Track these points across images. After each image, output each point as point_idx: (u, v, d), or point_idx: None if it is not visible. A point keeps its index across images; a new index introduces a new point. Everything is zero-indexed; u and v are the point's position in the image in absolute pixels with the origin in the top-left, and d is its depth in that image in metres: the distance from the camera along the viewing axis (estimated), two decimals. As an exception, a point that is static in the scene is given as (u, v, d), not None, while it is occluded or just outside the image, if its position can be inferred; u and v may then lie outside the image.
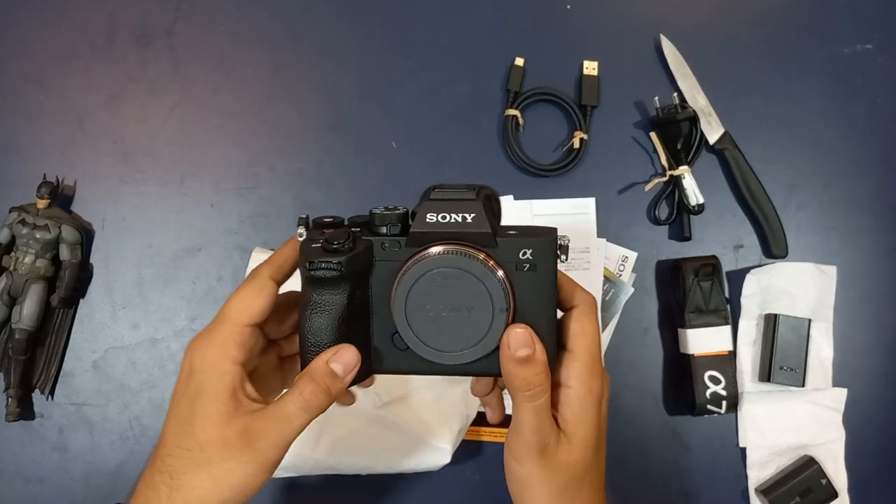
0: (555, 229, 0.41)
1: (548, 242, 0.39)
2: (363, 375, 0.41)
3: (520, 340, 0.38)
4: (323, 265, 0.38)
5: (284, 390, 0.44)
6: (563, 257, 0.40)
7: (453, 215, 0.38)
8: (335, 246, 0.39)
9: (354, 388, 0.45)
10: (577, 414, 0.40)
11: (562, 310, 0.42)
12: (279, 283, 0.41)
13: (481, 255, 0.38)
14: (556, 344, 0.41)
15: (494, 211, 0.42)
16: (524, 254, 0.39)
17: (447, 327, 0.39)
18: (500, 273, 0.39)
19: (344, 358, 0.39)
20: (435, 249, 0.39)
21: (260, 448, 0.37)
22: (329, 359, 0.39)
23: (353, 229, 0.40)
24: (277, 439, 0.38)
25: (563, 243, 0.40)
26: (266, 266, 0.41)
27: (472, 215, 0.38)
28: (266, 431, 0.38)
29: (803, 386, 0.67)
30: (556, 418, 0.41)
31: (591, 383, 0.40)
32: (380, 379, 0.65)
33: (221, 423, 0.37)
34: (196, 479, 0.37)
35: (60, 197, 0.71)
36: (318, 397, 0.38)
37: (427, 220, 0.39)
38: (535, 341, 0.39)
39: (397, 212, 0.41)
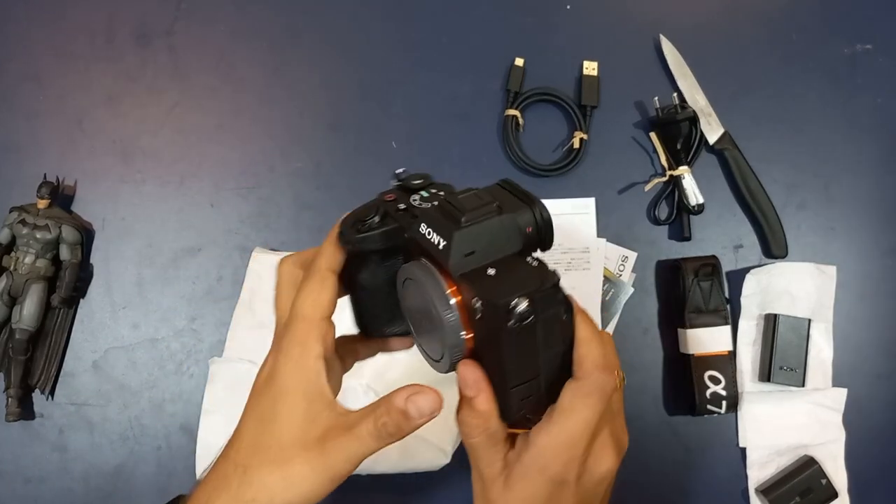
0: (555, 278, 0.35)
1: (545, 298, 0.34)
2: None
3: (465, 379, 0.37)
4: (343, 239, 0.39)
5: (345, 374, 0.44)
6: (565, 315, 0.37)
7: (436, 235, 0.36)
8: (363, 223, 0.39)
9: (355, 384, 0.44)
10: (556, 428, 0.38)
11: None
12: (336, 272, 0.40)
13: (448, 289, 0.35)
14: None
15: (498, 244, 0.36)
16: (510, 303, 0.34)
17: (426, 333, 0.38)
18: (453, 314, 0.35)
19: (420, 401, 0.38)
20: (418, 260, 0.37)
21: (333, 459, 0.37)
22: (408, 396, 0.38)
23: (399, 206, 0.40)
24: (348, 455, 0.38)
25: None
26: (321, 258, 0.40)
27: (444, 243, 0.35)
28: (341, 444, 0.37)
29: (803, 386, 0.67)
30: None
31: (554, 463, 0.37)
32: (380, 379, 0.65)
33: (305, 423, 0.37)
34: (269, 477, 0.37)
35: (60, 197, 0.71)
36: (389, 430, 0.38)
37: (420, 229, 0.37)
38: (480, 386, 0.37)
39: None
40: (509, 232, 0.37)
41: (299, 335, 0.39)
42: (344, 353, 0.43)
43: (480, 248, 0.36)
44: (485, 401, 0.38)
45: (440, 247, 0.35)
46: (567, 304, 0.36)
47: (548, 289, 0.34)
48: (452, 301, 0.35)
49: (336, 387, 0.42)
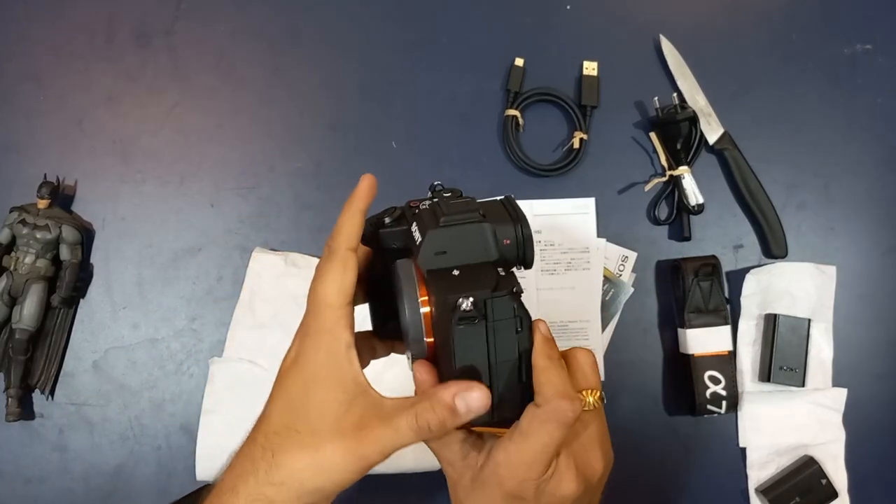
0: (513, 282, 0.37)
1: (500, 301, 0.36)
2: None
3: (417, 378, 0.38)
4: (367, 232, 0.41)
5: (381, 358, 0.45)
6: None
7: (418, 233, 0.38)
8: (381, 222, 0.41)
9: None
10: (484, 480, 0.39)
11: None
12: (355, 249, 0.40)
13: (419, 289, 0.37)
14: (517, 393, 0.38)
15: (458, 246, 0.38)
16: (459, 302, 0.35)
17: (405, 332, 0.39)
18: (417, 313, 0.37)
19: (471, 399, 0.36)
20: (406, 258, 0.39)
21: (367, 448, 0.37)
22: (457, 392, 0.37)
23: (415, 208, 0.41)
24: (382, 446, 0.37)
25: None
26: (340, 236, 0.40)
27: (420, 239, 0.37)
28: (377, 434, 0.37)
29: (803, 386, 0.67)
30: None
31: (510, 480, 0.37)
32: (378, 379, 0.65)
33: (339, 411, 0.37)
34: (299, 462, 0.37)
35: (61, 197, 0.71)
36: (431, 427, 0.37)
37: (411, 228, 0.39)
38: (430, 384, 0.38)
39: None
40: (485, 240, 0.38)
41: (327, 323, 0.38)
42: (362, 349, 0.42)
43: (452, 249, 0.37)
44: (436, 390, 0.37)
45: (417, 243, 0.37)
46: (522, 321, 0.37)
47: (499, 295, 0.35)
48: (420, 299, 0.36)
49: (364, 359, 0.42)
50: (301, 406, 0.38)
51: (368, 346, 0.45)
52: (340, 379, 0.38)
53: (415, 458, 0.64)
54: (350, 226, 0.40)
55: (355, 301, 0.41)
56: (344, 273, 0.39)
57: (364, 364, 0.43)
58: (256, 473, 0.37)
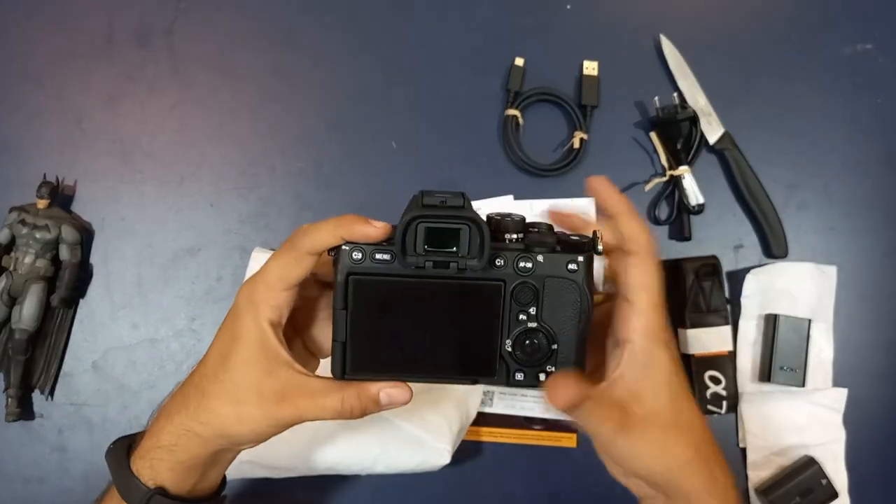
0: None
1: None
2: None
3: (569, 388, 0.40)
4: None
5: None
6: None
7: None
8: None
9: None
10: (642, 371, 0.40)
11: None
12: (318, 255, 0.42)
13: None
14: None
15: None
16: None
17: None
18: None
19: (395, 394, 0.42)
20: None
21: (287, 413, 0.41)
22: (382, 388, 0.42)
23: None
24: (303, 415, 0.41)
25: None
26: (307, 240, 0.41)
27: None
28: (299, 404, 0.41)
29: (803, 386, 0.67)
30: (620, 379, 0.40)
31: (655, 336, 0.40)
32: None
33: (261, 374, 0.41)
34: (223, 409, 0.41)
35: (60, 197, 0.71)
36: (354, 412, 0.42)
37: None
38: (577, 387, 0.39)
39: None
40: None
41: (258, 296, 0.41)
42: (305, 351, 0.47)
43: None
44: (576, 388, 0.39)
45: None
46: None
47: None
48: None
49: (301, 356, 0.45)
50: (227, 358, 0.42)
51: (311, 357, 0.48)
52: (262, 349, 0.41)
53: (416, 460, 0.64)
54: (324, 238, 0.41)
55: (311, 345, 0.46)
56: (294, 266, 0.41)
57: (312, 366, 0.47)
58: (188, 408, 0.42)
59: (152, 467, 0.43)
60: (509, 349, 0.41)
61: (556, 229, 0.43)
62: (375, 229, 0.39)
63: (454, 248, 0.39)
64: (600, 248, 0.40)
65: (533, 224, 0.42)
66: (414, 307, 0.40)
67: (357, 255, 0.39)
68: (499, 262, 0.40)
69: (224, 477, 0.48)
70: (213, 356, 0.43)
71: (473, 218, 0.38)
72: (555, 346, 0.41)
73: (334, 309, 0.40)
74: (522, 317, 0.40)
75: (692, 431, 0.41)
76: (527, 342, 0.41)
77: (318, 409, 0.41)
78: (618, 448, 0.40)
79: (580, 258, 0.40)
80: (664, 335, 0.40)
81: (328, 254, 0.41)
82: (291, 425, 0.42)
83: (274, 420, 0.41)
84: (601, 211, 0.43)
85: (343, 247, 0.39)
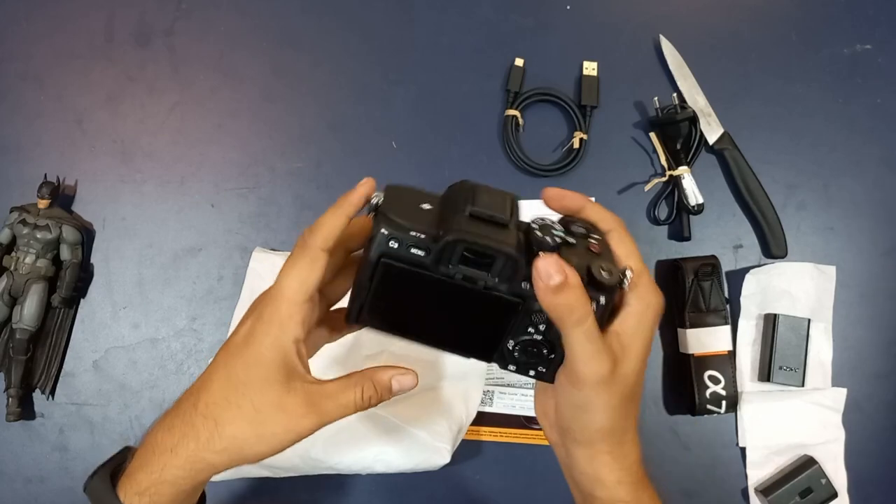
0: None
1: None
2: None
3: (548, 268, 0.38)
4: None
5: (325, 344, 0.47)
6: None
7: None
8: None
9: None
10: (634, 329, 0.42)
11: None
12: (329, 251, 0.41)
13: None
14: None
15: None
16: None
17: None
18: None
19: (404, 381, 0.44)
20: None
21: (309, 423, 0.41)
22: (394, 375, 0.43)
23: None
24: (325, 420, 0.42)
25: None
26: (317, 235, 0.41)
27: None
28: (321, 411, 0.41)
29: (803, 386, 0.67)
30: (610, 334, 0.42)
31: (649, 297, 0.42)
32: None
33: (282, 392, 0.41)
34: (242, 432, 0.40)
35: (61, 197, 0.71)
36: (372, 401, 0.43)
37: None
38: (564, 267, 0.38)
39: None
40: None
41: (281, 315, 0.41)
42: (315, 337, 0.46)
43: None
44: (574, 274, 0.39)
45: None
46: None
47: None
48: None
49: (310, 354, 0.45)
50: (242, 384, 0.41)
51: (323, 332, 0.47)
52: (284, 366, 0.41)
53: (416, 460, 0.64)
54: (331, 226, 0.41)
55: (328, 293, 0.45)
56: (311, 270, 0.41)
57: (313, 350, 0.46)
58: (198, 439, 0.40)
59: (153, 502, 0.41)
60: (510, 348, 0.43)
61: (590, 237, 0.43)
62: (367, 189, 0.41)
63: (487, 272, 0.39)
64: (626, 285, 0.41)
65: (570, 240, 0.41)
66: (433, 297, 0.41)
67: (393, 245, 0.39)
68: (525, 286, 0.40)
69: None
70: (220, 381, 0.41)
71: (510, 254, 0.38)
72: (552, 357, 0.43)
73: (359, 276, 0.40)
74: (531, 329, 0.42)
75: (638, 399, 0.44)
76: (529, 348, 0.42)
77: (342, 408, 0.42)
78: (571, 399, 0.42)
79: (602, 299, 0.41)
80: (655, 299, 0.42)
81: (369, 212, 0.41)
82: (313, 433, 0.42)
83: (296, 433, 0.41)
84: (565, 213, 0.45)
85: (382, 230, 0.38)
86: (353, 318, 0.42)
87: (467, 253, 0.38)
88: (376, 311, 0.42)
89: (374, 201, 0.40)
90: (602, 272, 0.40)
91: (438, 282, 0.40)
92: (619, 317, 0.42)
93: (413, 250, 0.39)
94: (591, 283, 0.40)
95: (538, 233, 0.40)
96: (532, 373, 0.44)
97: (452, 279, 0.39)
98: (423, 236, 0.39)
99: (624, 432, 0.43)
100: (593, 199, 0.71)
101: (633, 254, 0.43)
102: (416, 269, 0.39)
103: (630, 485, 0.44)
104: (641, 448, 0.45)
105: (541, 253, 0.39)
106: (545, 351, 0.42)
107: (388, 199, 0.40)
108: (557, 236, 0.40)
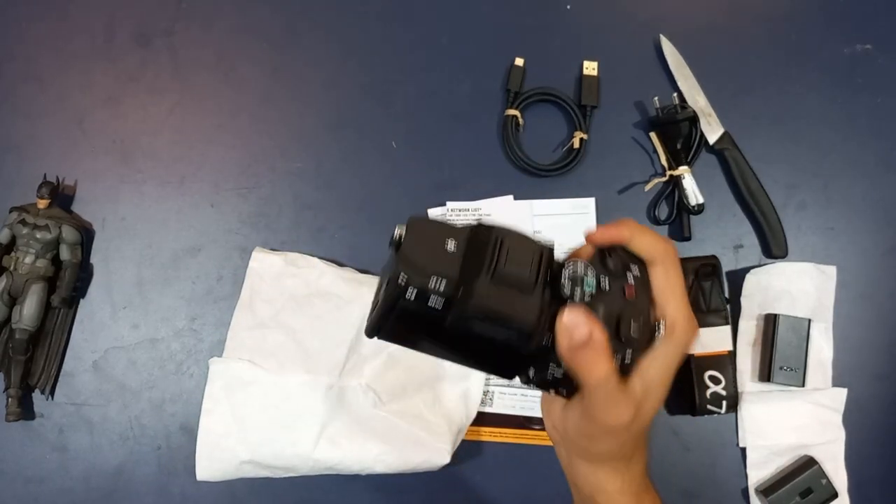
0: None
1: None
2: None
3: (575, 321, 0.37)
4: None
5: None
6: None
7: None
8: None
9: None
10: (660, 373, 0.40)
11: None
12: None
13: None
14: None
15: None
16: None
17: None
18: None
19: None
20: None
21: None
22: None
23: None
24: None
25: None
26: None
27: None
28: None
29: (803, 386, 0.67)
30: (634, 376, 0.40)
31: (681, 338, 0.40)
32: (379, 379, 0.66)
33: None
34: None
35: (60, 197, 0.71)
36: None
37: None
38: (590, 323, 0.37)
39: None
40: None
41: None
42: None
43: None
44: (599, 332, 0.37)
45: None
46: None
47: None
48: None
49: None
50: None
51: None
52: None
53: (416, 460, 0.64)
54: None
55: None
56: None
57: None
58: None
59: None
60: (530, 375, 0.42)
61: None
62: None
63: (506, 330, 0.37)
64: (657, 338, 0.40)
65: (603, 286, 0.39)
66: (449, 338, 0.39)
67: (411, 293, 0.36)
68: (546, 339, 0.38)
69: None
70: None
71: (524, 330, 0.37)
72: (574, 384, 0.41)
73: (379, 299, 0.39)
74: (552, 367, 0.40)
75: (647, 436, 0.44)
76: (548, 378, 0.41)
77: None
78: (600, 429, 0.41)
79: (629, 354, 0.39)
80: (683, 342, 0.40)
81: (391, 246, 0.38)
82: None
83: None
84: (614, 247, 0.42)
85: (401, 277, 0.36)
86: (374, 333, 0.41)
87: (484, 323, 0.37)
88: (398, 327, 0.40)
89: (395, 234, 0.38)
90: (632, 328, 0.38)
91: (455, 329, 0.38)
92: (646, 357, 0.40)
93: (431, 300, 0.37)
94: (619, 337, 0.38)
95: (567, 288, 0.38)
96: (552, 391, 0.43)
97: (469, 332, 0.37)
98: (443, 287, 0.36)
99: (633, 455, 0.42)
100: (592, 200, 0.71)
101: (675, 292, 0.40)
102: (432, 316, 0.37)
103: (632, 495, 0.43)
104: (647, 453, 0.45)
105: (568, 305, 0.37)
106: (564, 380, 0.41)
107: (411, 234, 0.38)
108: (588, 292, 0.38)
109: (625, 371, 0.39)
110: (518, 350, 0.38)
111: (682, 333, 0.40)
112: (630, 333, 0.38)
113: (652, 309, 0.40)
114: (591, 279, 0.38)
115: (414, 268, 0.36)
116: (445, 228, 0.39)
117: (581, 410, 0.40)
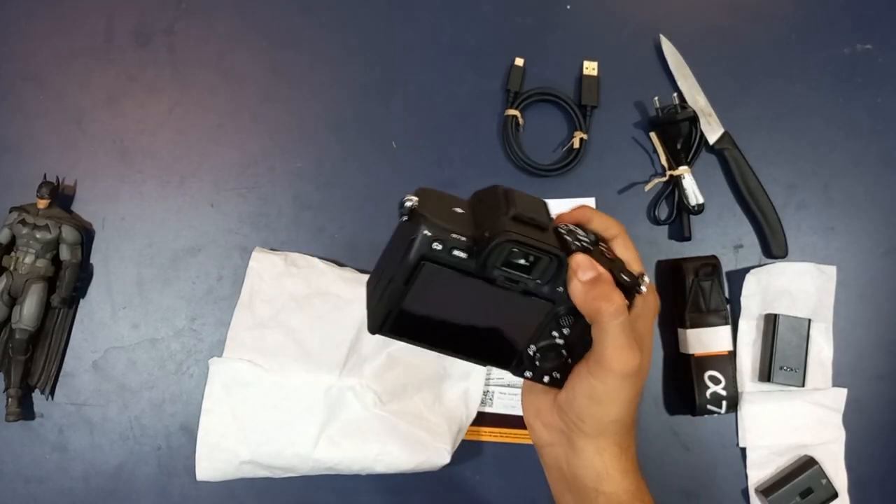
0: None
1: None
2: None
3: (582, 263, 0.40)
4: None
5: None
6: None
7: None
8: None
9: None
10: (644, 328, 0.44)
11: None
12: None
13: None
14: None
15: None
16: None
17: None
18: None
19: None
20: None
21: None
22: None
23: None
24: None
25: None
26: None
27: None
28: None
29: (803, 386, 0.67)
30: None
31: (650, 299, 0.45)
32: (379, 379, 0.66)
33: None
34: None
35: (60, 197, 0.71)
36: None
37: None
38: (597, 264, 0.41)
39: None
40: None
41: None
42: None
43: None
44: (606, 271, 0.41)
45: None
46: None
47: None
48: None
49: None
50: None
51: None
52: None
53: (416, 460, 0.64)
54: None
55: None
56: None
57: None
58: None
59: None
60: (531, 353, 0.43)
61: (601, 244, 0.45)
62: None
63: (530, 274, 0.40)
64: (643, 288, 0.42)
65: (589, 247, 0.42)
66: (467, 299, 0.40)
67: (437, 246, 0.38)
68: (560, 289, 0.41)
69: None
70: None
71: (557, 254, 0.39)
72: (569, 360, 0.43)
73: (393, 282, 0.39)
74: (555, 333, 0.42)
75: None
76: (549, 352, 0.43)
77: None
78: (591, 392, 0.43)
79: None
80: (654, 298, 0.46)
81: (400, 218, 0.40)
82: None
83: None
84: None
85: (425, 231, 0.38)
86: (378, 328, 0.41)
87: (512, 255, 0.39)
88: (403, 318, 0.40)
89: (408, 204, 0.39)
90: (623, 275, 0.41)
91: (477, 285, 0.39)
92: (631, 312, 0.43)
93: (455, 252, 0.38)
94: (618, 284, 0.41)
95: (567, 237, 0.41)
96: (546, 379, 0.44)
97: (494, 282, 0.39)
98: (464, 238, 0.38)
99: (632, 423, 0.45)
100: (593, 200, 0.71)
101: (636, 259, 0.45)
102: (458, 272, 0.39)
103: (633, 473, 0.45)
104: (640, 448, 0.47)
105: (574, 253, 0.40)
106: (565, 353, 0.43)
107: (423, 201, 0.40)
108: (584, 240, 0.41)
109: None
110: (533, 305, 0.41)
111: (650, 297, 0.45)
112: (622, 280, 0.41)
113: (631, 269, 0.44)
114: (581, 233, 0.42)
115: (435, 225, 0.38)
116: (450, 198, 0.42)
117: (588, 370, 0.43)
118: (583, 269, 0.40)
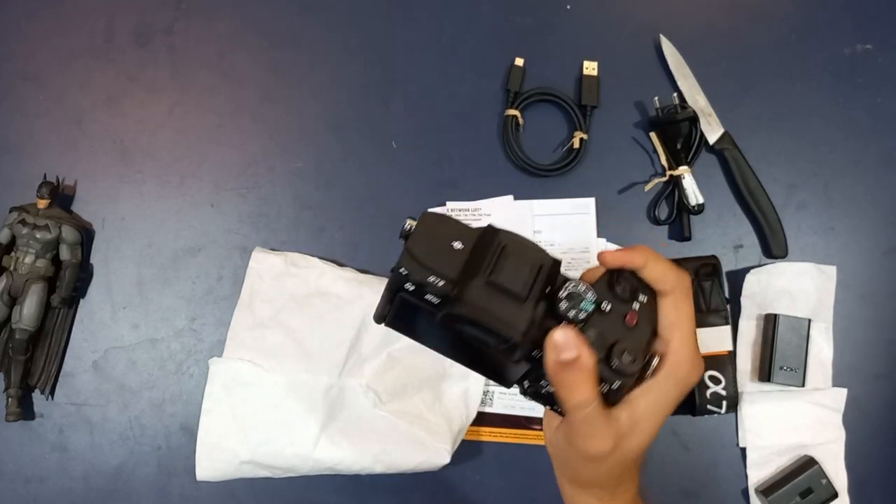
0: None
1: None
2: None
3: (565, 341, 0.36)
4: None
5: None
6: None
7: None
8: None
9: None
10: (652, 407, 0.39)
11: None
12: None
13: None
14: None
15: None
16: None
17: None
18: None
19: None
20: None
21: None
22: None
23: None
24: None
25: None
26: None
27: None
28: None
29: (803, 386, 0.67)
30: (622, 407, 0.39)
31: (681, 374, 0.39)
32: (380, 379, 0.66)
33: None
34: None
35: (60, 197, 0.71)
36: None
37: None
38: (580, 345, 0.36)
39: None
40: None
41: None
42: None
43: None
44: (588, 356, 0.36)
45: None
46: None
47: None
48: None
49: None
50: None
51: None
52: None
53: (416, 460, 0.64)
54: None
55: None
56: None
57: None
58: None
59: None
60: (525, 387, 0.42)
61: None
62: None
63: (494, 340, 0.37)
64: (650, 372, 0.40)
65: (604, 308, 0.39)
66: (447, 334, 0.39)
67: (409, 286, 0.37)
68: (536, 352, 0.39)
69: None
70: None
71: (509, 338, 0.36)
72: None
73: (387, 287, 0.39)
74: (543, 382, 0.40)
75: (636, 470, 0.43)
76: (540, 391, 0.41)
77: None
78: (579, 456, 0.40)
79: (617, 383, 0.39)
80: (683, 381, 0.40)
81: (401, 238, 0.38)
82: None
83: None
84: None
85: (400, 270, 0.37)
86: (380, 320, 0.42)
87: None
88: (399, 321, 0.41)
89: (406, 227, 0.38)
90: (623, 357, 0.38)
91: (445, 328, 0.38)
92: (640, 388, 0.39)
93: (428, 296, 0.37)
94: (609, 364, 0.38)
95: (563, 304, 0.37)
96: (548, 406, 0.43)
97: (460, 332, 0.37)
98: (441, 284, 0.37)
99: (617, 486, 0.41)
100: (592, 200, 0.71)
101: (682, 326, 0.40)
102: (428, 310, 0.38)
103: None
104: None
105: (562, 324, 0.37)
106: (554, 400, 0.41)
107: (420, 229, 0.38)
108: (583, 311, 0.37)
109: (611, 399, 0.38)
110: (508, 358, 0.38)
111: (683, 370, 0.39)
112: (622, 361, 0.38)
113: (654, 340, 0.39)
114: (589, 299, 0.37)
115: (416, 263, 0.37)
116: (457, 227, 0.38)
117: (564, 433, 0.40)
118: (556, 344, 0.36)
